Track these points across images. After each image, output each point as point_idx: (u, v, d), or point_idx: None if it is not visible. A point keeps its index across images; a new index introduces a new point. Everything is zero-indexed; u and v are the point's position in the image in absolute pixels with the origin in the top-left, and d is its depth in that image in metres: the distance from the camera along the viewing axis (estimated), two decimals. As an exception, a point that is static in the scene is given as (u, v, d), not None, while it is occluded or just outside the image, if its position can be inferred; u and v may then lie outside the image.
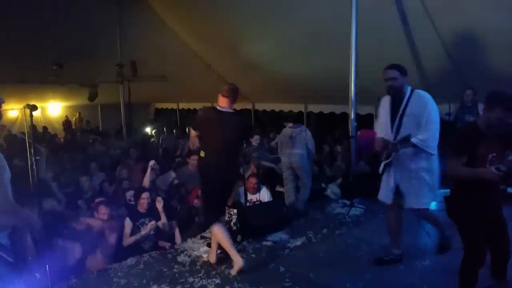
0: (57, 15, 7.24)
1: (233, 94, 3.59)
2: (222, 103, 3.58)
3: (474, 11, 4.95)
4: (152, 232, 4.44)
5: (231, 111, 3.63)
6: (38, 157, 6.46)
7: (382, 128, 3.42)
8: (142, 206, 4.56)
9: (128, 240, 4.33)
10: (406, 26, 5.67)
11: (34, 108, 2.46)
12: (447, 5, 5.06)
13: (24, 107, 2.46)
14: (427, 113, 3.17)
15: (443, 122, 6.48)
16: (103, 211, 4.40)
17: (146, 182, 5.18)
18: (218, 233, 3.59)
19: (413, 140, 3.16)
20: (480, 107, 5.60)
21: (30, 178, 2.84)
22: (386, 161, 3.36)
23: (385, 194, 3.47)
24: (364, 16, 5.25)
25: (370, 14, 5.36)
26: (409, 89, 3.27)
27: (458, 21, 5.26)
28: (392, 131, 3.30)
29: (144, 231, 4.36)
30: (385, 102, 3.45)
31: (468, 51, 5.64)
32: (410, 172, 3.30)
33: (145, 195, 4.58)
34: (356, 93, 5.58)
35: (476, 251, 2.62)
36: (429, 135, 3.17)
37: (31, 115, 2.67)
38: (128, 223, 4.40)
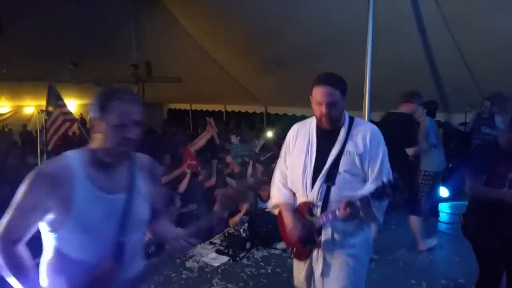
0: (74, 15, 7.31)
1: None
2: None
3: (493, 20, 4.85)
4: None
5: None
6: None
7: (298, 176, 2.11)
8: None
9: None
10: (423, 34, 5.58)
11: (48, 114, 2.49)
12: (465, 14, 4.97)
13: (39, 112, 2.49)
14: (382, 155, 2.05)
15: (458, 132, 6.48)
16: None
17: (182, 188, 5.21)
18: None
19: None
20: (497, 119, 5.50)
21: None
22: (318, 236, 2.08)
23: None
24: (381, 24, 5.18)
25: (387, 22, 5.29)
26: (347, 116, 2.15)
27: (476, 30, 5.16)
28: (319, 183, 2.04)
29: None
30: (304, 134, 2.19)
31: (486, 61, 5.53)
32: (339, 253, 2.08)
33: None
34: (370, 100, 5.50)
35: (490, 271, 2.57)
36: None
37: (45, 119, 2.71)
38: None
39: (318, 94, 2.06)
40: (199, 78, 9.62)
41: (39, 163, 2.83)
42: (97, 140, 1.46)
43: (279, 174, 2.27)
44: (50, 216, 1.41)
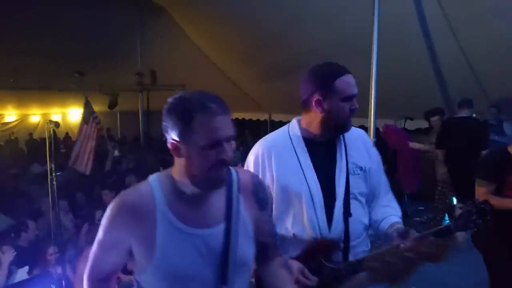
0: (80, 24, 7.38)
1: None
2: None
3: (498, 25, 4.83)
4: None
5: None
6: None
7: (300, 214, 1.52)
8: None
9: None
10: (427, 39, 5.57)
11: (57, 125, 2.49)
12: (470, 18, 4.95)
13: (47, 123, 2.50)
14: (382, 165, 1.69)
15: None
16: None
17: None
18: None
19: (398, 222, 1.54)
20: (506, 125, 5.45)
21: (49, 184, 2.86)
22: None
23: None
24: (386, 29, 5.18)
25: (391, 28, 5.28)
26: None
27: (481, 35, 5.14)
28: (339, 217, 1.50)
29: None
30: (286, 154, 1.57)
31: (491, 66, 5.50)
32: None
33: None
34: (376, 106, 5.47)
35: (502, 284, 2.52)
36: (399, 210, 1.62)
37: (54, 130, 2.71)
38: None
39: (348, 85, 1.50)
40: (202, 86, 9.43)
41: (48, 172, 2.81)
42: (180, 166, 1.13)
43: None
44: (133, 256, 1.16)
